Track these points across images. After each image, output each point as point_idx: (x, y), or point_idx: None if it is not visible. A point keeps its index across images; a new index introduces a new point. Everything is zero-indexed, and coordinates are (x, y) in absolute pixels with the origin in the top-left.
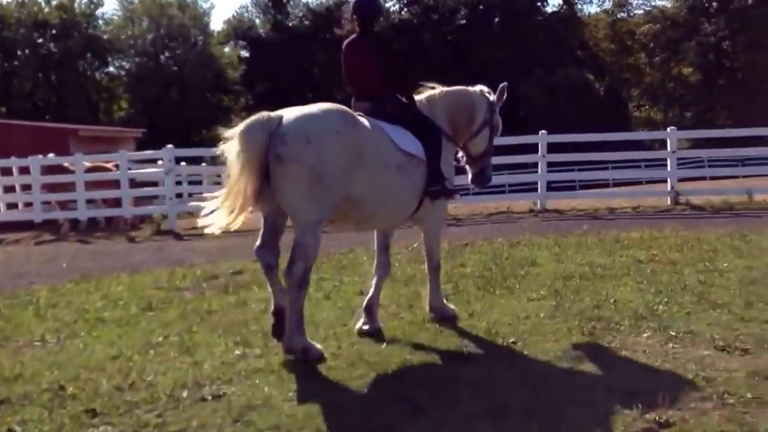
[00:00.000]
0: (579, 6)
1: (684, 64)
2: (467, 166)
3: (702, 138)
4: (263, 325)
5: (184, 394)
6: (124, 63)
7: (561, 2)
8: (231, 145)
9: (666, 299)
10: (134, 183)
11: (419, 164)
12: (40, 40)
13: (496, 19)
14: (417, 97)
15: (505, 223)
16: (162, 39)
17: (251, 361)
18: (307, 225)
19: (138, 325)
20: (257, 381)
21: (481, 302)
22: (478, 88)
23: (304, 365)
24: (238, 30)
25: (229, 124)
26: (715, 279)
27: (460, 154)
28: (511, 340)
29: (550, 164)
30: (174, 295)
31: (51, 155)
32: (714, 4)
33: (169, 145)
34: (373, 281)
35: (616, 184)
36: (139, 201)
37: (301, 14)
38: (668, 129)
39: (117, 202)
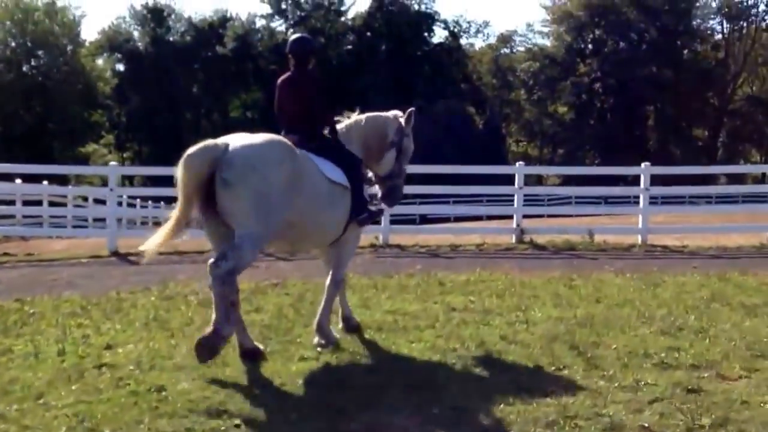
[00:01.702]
0: (465, 39)
1: (560, 102)
2: (376, 186)
3: (568, 174)
4: None
5: None
6: None
7: (447, 34)
8: (177, 170)
9: (453, 361)
10: None
11: (344, 192)
12: None
13: (383, 47)
14: (338, 127)
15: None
16: (26, 46)
17: None
18: (250, 237)
19: None
20: None
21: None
22: (392, 113)
23: None
24: (114, 42)
25: (98, 140)
26: (519, 334)
27: (370, 174)
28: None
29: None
30: None
31: None
32: (590, 45)
33: None
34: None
35: (475, 219)
36: None
37: (182, 29)
38: (516, 164)
39: None
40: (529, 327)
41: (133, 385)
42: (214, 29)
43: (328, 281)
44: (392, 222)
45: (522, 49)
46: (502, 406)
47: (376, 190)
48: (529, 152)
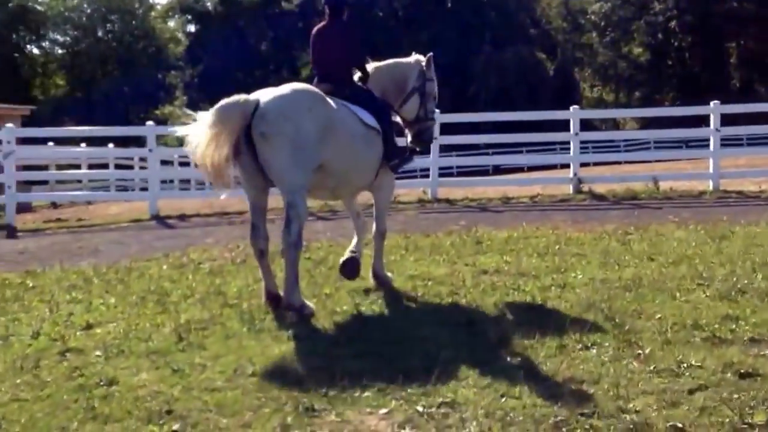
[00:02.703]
0: None
1: (635, 43)
2: (406, 130)
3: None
4: None
5: None
6: (58, 37)
7: None
8: (203, 119)
9: (462, 339)
10: None
11: (378, 136)
12: None
13: None
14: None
15: None
16: (100, 12)
17: None
18: (294, 188)
19: None
20: None
21: (218, 344)
22: (413, 58)
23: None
24: (184, 4)
25: (173, 101)
26: (551, 301)
27: (398, 119)
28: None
29: (443, 148)
30: None
31: None
32: None
33: (9, 125)
34: (354, 239)
35: (530, 169)
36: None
37: None
38: (571, 108)
39: None
40: (564, 292)
41: (83, 378)
42: None
43: (373, 230)
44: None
45: None
46: (504, 399)
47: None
48: (605, 97)
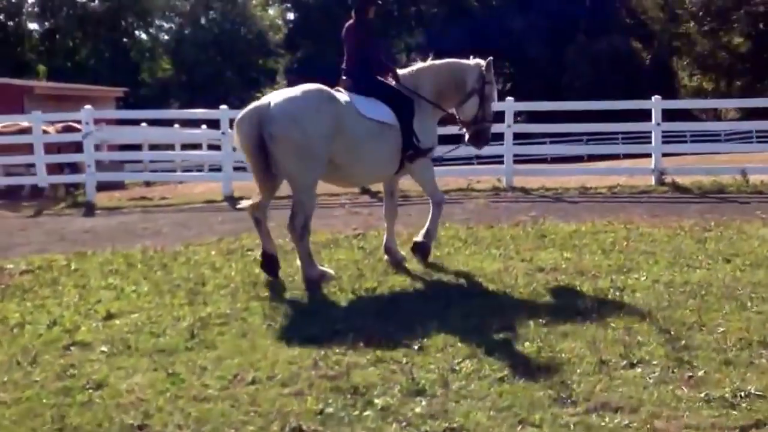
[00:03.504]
0: None
1: (734, 33)
2: (464, 129)
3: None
4: None
5: None
6: (164, 23)
7: None
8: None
9: (489, 350)
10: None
11: (390, 129)
12: None
13: None
14: (402, 72)
15: (448, 204)
16: (203, 0)
17: None
18: (302, 187)
19: None
20: None
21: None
22: (473, 60)
23: None
24: None
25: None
26: (605, 306)
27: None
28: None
29: (517, 135)
30: None
31: None
32: None
33: (88, 106)
34: (386, 225)
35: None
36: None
37: None
38: (652, 98)
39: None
40: (622, 296)
41: (72, 380)
42: None
43: (431, 207)
44: (516, 162)
45: None
46: (521, 427)
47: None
48: (704, 86)
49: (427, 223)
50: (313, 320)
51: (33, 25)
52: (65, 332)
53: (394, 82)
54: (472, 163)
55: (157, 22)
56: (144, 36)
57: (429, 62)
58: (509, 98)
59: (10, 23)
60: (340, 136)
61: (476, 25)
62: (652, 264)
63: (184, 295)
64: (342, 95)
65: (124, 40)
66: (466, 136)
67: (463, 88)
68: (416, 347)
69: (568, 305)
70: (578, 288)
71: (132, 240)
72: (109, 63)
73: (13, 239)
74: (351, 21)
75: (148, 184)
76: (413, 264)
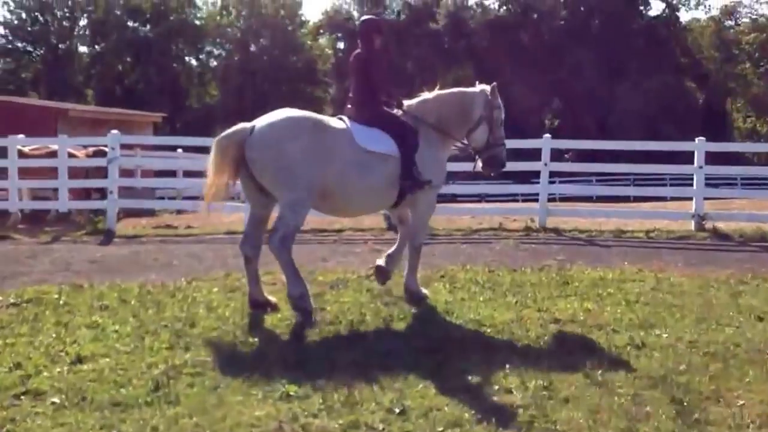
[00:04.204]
0: (684, 11)
1: None
2: (477, 156)
3: None
4: None
5: None
6: (214, 50)
7: (664, 7)
8: (211, 148)
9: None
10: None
11: (387, 160)
12: (131, 23)
13: (595, 21)
14: (409, 102)
15: (477, 244)
16: (253, 28)
17: None
18: (287, 203)
19: None
20: None
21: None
22: (478, 88)
23: None
24: (334, 22)
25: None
26: (615, 369)
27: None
28: None
29: (553, 174)
30: None
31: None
32: None
33: (114, 131)
34: (398, 239)
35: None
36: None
37: (398, 8)
38: (696, 140)
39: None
40: (639, 355)
41: None
42: (427, 7)
43: (407, 246)
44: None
45: (746, 20)
46: None
47: (476, 160)
48: (758, 128)
49: (394, 248)
50: (294, 374)
51: (83, 49)
52: (25, 377)
53: (399, 112)
54: (518, 200)
55: (207, 48)
56: (193, 62)
57: (435, 92)
58: (546, 135)
59: (61, 46)
60: (329, 164)
61: (527, 58)
62: (678, 319)
63: (167, 338)
64: (338, 123)
65: (174, 65)
66: (480, 163)
67: (470, 116)
68: (397, 410)
69: (577, 365)
70: (592, 344)
71: (138, 272)
72: (157, 88)
73: (17, 268)
74: (357, 50)
75: (179, 211)
76: (425, 306)
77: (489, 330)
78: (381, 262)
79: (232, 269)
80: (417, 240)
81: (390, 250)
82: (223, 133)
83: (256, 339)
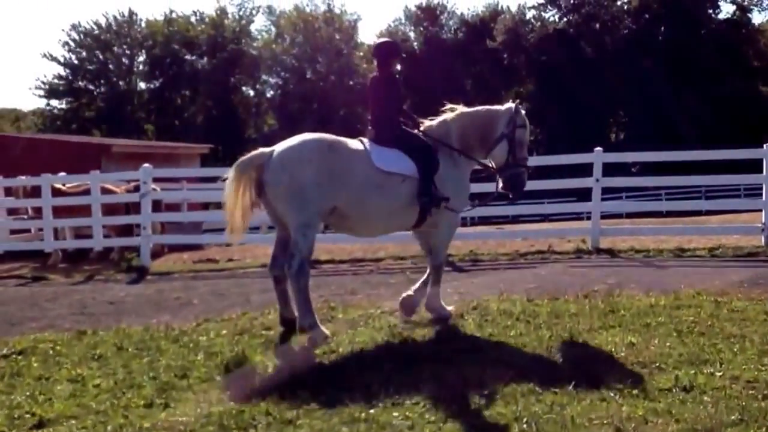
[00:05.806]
0: (757, 12)
1: None
2: (497, 177)
3: None
4: None
5: None
6: (270, 78)
7: (735, 9)
8: (229, 174)
9: None
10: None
11: (405, 181)
12: (189, 57)
13: (662, 28)
14: (429, 122)
15: (521, 269)
16: (308, 54)
17: None
18: (297, 227)
19: None
20: None
21: None
22: (505, 105)
23: None
24: None
25: None
26: (656, 417)
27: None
28: None
29: (606, 190)
30: None
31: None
32: None
33: (146, 165)
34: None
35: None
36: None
37: (455, 26)
38: (765, 146)
39: (125, 230)
40: (685, 400)
41: None
42: (485, 23)
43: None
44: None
45: None
46: None
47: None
48: None
49: (420, 282)
50: None
51: (142, 85)
52: None
53: (419, 133)
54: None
55: (263, 76)
56: (251, 92)
57: (458, 111)
58: (598, 148)
59: (121, 83)
60: (344, 185)
61: (590, 70)
62: (736, 353)
63: (151, 393)
64: (356, 144)
65: (231, 96)
66: (500, 184)
67: (492, 134)
68: None
69: (609, 415)
70: (630, 386)
71: (153, 313)
72: (216, 120)
73: (31, 312)
74: (375, 73)
75: (228, 244)
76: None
77: (513, 370)
78: (410, 292)
79: (250, 308)
80: (437, 260)
81: (418, 283)
82: (243, 157)
83: (246, 392)
